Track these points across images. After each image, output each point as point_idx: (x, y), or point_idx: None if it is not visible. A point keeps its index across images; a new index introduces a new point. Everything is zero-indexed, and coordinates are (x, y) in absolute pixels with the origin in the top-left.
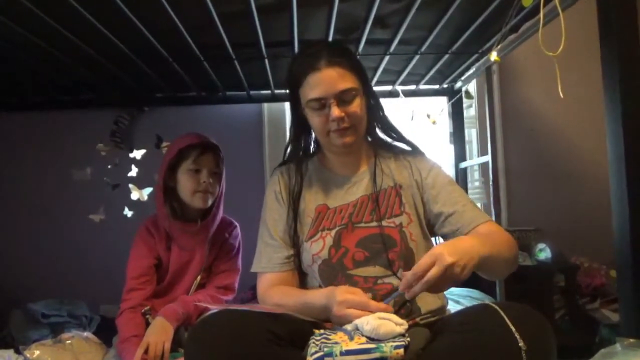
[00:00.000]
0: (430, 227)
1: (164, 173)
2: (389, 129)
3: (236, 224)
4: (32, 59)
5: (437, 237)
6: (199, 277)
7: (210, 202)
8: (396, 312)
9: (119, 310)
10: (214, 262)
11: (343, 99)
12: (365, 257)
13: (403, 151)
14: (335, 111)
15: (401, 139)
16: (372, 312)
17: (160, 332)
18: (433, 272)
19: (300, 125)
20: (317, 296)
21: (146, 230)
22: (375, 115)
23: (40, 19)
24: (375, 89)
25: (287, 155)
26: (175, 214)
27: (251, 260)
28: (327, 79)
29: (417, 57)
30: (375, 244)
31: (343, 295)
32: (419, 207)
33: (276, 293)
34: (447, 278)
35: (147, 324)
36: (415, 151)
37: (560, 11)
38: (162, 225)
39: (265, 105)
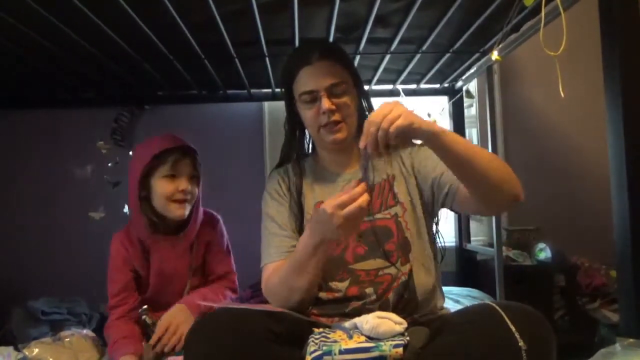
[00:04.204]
0: (434, 202)
1: (138, 182)
2: None
3: (218, 217)
4: (33, 56)
5: (437, 221)
6: (188, 283)
7: (188, 211)
8: (395, 308)
9: (107, 322)
10: (205, 263)
11: (334, 92)
12: (365, 250)
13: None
14: (326, 103)
15: None
16: (357, 197)
17: (180, 316)
18: (385, 112)
19: (295, 122)
20: (305, 236)
21: (120, 244)
22: (367, 116)
23: (42, 17)
24: (376, 87)
25: (282, 155)
26: (156, 227)
27: (247, 256)
28: (319, 73)
29: (418, 56)
30: (372, 237)
31: (330, 206)
32: (413, 193)
33: (276, 271)
34: (405, 124)
35: (145, 324)
36: None
37: (561, 10)
38: (135, 238)
39: (266, 104)
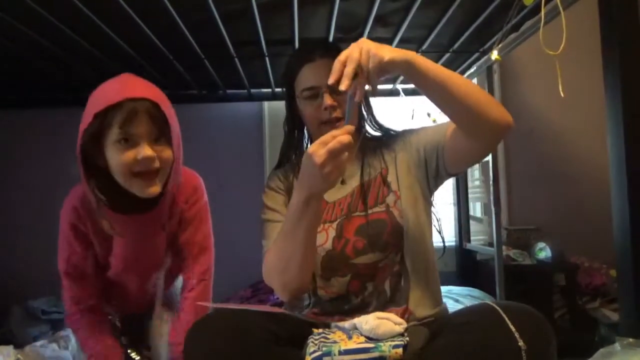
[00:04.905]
0: (428, 175)
1: (80, 148)
2: (378, 127)
3: (198, 182)
4: (34, 57)
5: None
6: (164, 266)
7: (160, 186)
8: (392, 298)
9: (69, 314)
10: (175, 239)
11: (335, 89)
12: (364, 244)
13: (382, 139)
14: (328, 99)
15: (389, 134)
16: (338, 135)
17: None
18: (356, 55)
19: (294, 122)
20: (294, 195)
21: (71, 212)
22: (365, 113)
23: (43, 18)
24: None
25: (282, 155)
26: (113, 204)
27: (247, 256)
28: (321, 69)
29: None
30: (369, 230)
31: (312, 147)
32: (404, 176)
33: (272, 249)
34: (374, 61)
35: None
36: (396, 133)
37: (561, 10)
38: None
39: (266, 104)
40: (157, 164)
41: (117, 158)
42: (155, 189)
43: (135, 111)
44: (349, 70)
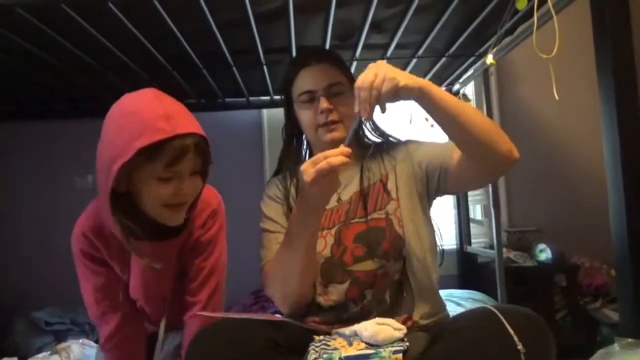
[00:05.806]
0: (428, 187)
1: (113, 180)
2: (379, 134)
3: (217, 200)
4: (30, 68)
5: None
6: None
7: (185, 213)
8: (392, 306)
9: (101, 344)
10: (186, 262)
11: (331, 92)
12: (364, 252)
13: (382, 145)
14: (324, 103)
15: (388, 140)
16: (330, 155)
17: None
18: (371, 78)
19: (293, 129)
20: (294, 210)
21: (83, 240)
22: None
23: (39, 29)
24: None
25: (280, 163)
26: (135, 234)
27: (247, 264)
28: (317, 73)
29: (414, 60)
30: (369, 237)
31: (304, 165)
32: (404, 184)
33: (272, 261)
34: (389, 85)
35: None
36: (398, 142)
37: (553, 14)
38: (108, 231)
39: (265, 112)
40: (189, 197)
41: (155, 192)
42: (180, 218)
43: (186, 150)
44: (365, 95)
